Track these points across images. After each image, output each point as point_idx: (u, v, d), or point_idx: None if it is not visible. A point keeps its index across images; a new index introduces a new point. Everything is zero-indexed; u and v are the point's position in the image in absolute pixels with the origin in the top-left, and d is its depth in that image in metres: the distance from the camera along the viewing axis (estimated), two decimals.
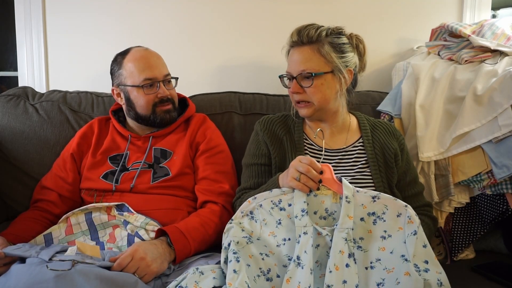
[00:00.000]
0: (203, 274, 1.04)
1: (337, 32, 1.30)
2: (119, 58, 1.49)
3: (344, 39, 1.30)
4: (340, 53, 1.28)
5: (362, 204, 1.08)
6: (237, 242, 1.07)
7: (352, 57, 1.30)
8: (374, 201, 1.08)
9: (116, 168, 1.45)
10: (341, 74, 1.27)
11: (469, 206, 1.56)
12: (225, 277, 1.02)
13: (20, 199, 1.58)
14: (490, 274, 1.33)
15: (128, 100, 1.47)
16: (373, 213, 1.08)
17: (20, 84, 1.98)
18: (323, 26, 1.30)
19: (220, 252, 1.10)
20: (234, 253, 1.04)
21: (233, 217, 1.13)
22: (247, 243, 1.08)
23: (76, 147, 1.50)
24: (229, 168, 1.49)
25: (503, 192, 1.42)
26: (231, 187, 1.44)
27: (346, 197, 1.08)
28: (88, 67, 1.95)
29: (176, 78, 1.53)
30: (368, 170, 1.30)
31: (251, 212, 1.12)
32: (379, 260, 1.03)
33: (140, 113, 1.47)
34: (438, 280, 0.99)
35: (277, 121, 1.40)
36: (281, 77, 1.35)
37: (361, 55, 1.34)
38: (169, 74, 1.50)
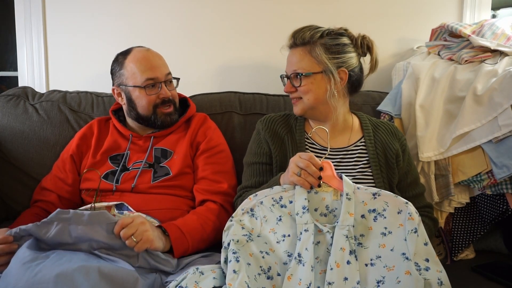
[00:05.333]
0: (203, 274, 1.04)
1: (337, 33, 1.31)
2: (121, 58, 1.48)
3: (344, 40, 1.30)
4: (332, 54, 1.28)
5: (363, 201, 1.08)
6: (237, 241, 1.07)
7: (349, 58, 1.30)
8: (375, 198, 1.08)
9: (117, 168, 1.45)
10: (331, 75, 1.28)
11: (469, 206, 1.55)
12: (225, 277, 1.01)
13: (20, 199, 1.58)
14: (490, 274, 1.32)
15: (130, 101, 1.47)
16: (374, 210, 1.07)
17: (20, 84, 1.98)
18: (321, 28, 1.31)
19: (219, 251, 1.10)
20: (234, 252, 1.04)
21: (233, 215, 1.12)
22: (247, 241, 1.08)
23: (76, 148, 1.50)
24: (228, 168, 1.49)
25: (503, 192, 1.42)
26: (230, 186, 1.43)
27: (347, 194, 1.08)
28: (88, 67, 1.95)
29: (178, 79, 1.53)
30: (370, 170, 1.30)
31: (251, 210, 1.12)
32: (379, 257, 1.03)
33: (142, 113, 1.47)
34: (439, 279, 0.99)
35: (279, 120, 1.40)
36: (281, 77, 1.38)
37: (368, 55, 1.35)
38: (170, 73, 1.50)
